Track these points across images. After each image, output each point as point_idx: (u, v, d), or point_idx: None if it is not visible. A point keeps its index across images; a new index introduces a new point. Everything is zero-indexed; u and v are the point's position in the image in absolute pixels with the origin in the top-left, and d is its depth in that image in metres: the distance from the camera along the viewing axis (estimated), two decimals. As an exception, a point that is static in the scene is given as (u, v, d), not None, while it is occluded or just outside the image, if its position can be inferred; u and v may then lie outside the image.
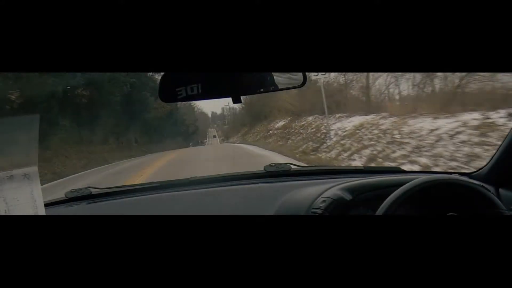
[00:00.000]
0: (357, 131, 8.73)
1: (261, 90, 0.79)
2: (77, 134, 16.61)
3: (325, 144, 9.57)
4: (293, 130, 14.67)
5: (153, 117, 25.23)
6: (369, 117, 9.37)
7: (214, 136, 50.76)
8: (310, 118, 13.89)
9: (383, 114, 9.02)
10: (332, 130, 10.16)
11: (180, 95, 0.72)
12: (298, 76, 0.78)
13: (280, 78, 0.78)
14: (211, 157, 11.99)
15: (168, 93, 0.73)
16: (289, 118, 17.15)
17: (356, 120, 9.83)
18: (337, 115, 11.48)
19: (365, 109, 10.98)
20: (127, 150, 21.03)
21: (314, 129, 12.28)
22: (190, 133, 39.39)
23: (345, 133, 9.31)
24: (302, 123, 14.33)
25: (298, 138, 12.98)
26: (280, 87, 0.79)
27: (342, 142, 8.85)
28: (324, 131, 10.73)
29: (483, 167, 1.18)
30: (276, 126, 18.47)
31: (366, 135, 8.13)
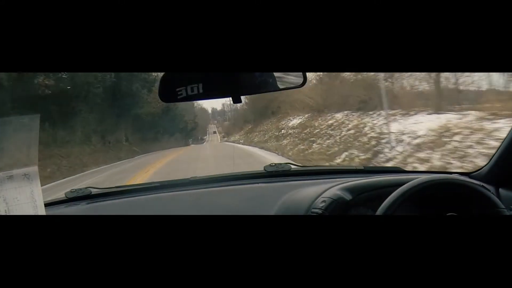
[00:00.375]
0: (444, 139, 5.47)
1: (261, 90, 0.79)
2: (47, 135, 12.93)
3: (382, 155, 6.37)
4: (317, 130, 11.39)
5: (146, 113, 22.07)
6: (452, 117, 6.05)
7: (214, 132, 49.94)
8: (339, 116, 10.81)
9: (477, 113, 5.70)
10: (389, 133, 6.87)
11: (180, 95, 0.72)
12: (298, 76, 0.78)
13: (280, 78, 0.78)
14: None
15: (168, 93, 0.73)
16: (307, 115, 13.83)
17: (426, 120, 6.58)
18: (383, 112, 7.79)
19: (432, 104, 7.47)
20: (115, 151, 18.09)
21: (352, 131, 8.88)
22: (189, 130, 37.14)
23: (418, 140, 5.96)
24: (330, 121, 11.05)
25: (328, 141, 9.60)
26: (280, 87, 0.79)
27: (421, 156, 5.43)
28: (373, 134, 7.60)
29: (483, 167, 1.18)
30: (290, 124, 14.96)
31: (471, 146, 4.86)
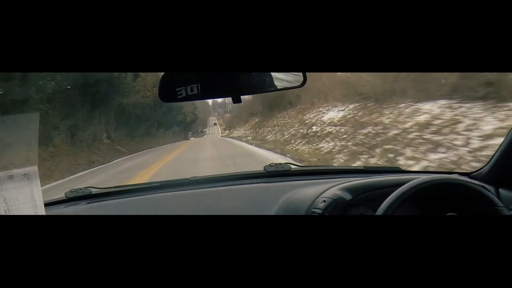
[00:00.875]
0: None
1: (261, 90, 0.79)
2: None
3: None
4: (394, 132, 6.57)
5: (134, 103, 17.60)
6: None
7: (215, 124, 49.01)
8: (431, 108, 6.40)
9: None
10: None
11: (180, 95, 0.72)
12: (298, 76, 0.78)
13: (280, 78, 0.78)
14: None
15: (168, 93, 0.74)
16: (352, 106, 9.33)
17: None
18: None
19: None
20: (89, 152, 13.29)
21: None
22: (189, 122, 33.82)
23: None
24: (418, 117, 6.46)
25: (440, 157, 5.01)
26: (279, 87, 0.79)
27: None
28: None
29: (483, 167, 1.18)
30: (326, 118, 10.21)
31: None
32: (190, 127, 35.90)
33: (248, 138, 17.33)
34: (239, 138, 19.19)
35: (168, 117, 25.22)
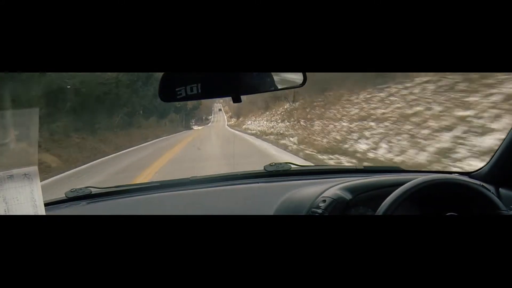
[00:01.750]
0: None
1: (261, 89, 0.79)
2: None
3: None
4: None
5: (81, 76, 9.62)
6: None
7: (220, 110, 46.06)
8: None
9: None
10: None
11: (180, 95, 0.72)
12: (298, 76, 0.78)
13: (280, 78, 0.78)
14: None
15: (168, 92, 0.74)
16: None
17: None
18: None
19: None
20: None
21: None
22: (190, 109, 27.88)
23: None
24: None
25: None
26: (280, 87, 0.79)
27: None
28: None
29: (483, 166, 1.18)
30: None
31: None
32: (193, 114, 30.22)
33: (292, 141, 8.75)
34: (271, 141, 10.03)
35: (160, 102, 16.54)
